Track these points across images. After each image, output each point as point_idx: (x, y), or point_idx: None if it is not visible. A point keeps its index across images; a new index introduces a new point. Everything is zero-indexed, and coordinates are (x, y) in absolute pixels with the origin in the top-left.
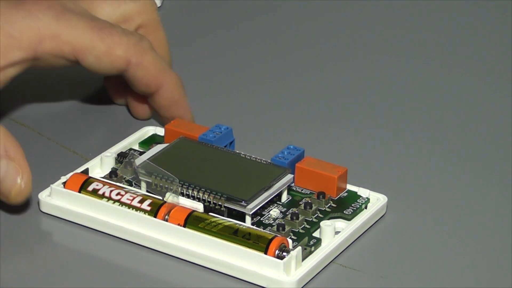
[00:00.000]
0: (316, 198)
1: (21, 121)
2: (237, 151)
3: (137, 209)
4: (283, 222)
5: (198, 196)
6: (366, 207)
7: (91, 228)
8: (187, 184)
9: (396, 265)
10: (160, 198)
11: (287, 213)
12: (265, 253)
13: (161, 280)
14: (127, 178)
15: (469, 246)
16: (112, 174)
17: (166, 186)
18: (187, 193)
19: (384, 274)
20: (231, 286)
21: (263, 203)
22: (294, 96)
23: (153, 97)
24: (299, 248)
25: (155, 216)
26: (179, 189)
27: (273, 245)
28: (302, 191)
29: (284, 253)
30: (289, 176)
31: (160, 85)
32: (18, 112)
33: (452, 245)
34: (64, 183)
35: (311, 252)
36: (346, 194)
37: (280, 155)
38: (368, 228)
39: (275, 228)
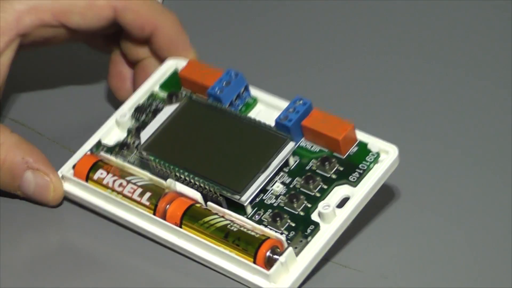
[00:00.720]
0: (321, 165)
1: (21, 121)
2: (242, 116)
3: (137, 203)
4: (281, 207)
5: (196, 184)
6: (376, 163)
7: (97, 212)
8: (184, 172)
9: (396, 265)
10: (163, 182)
11: (291, 185)
12: (254, 261)
13: (158, 272)
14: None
15: (473, 245)
16: (124, 146)
17: (167, 170)
18: (186, 179)
19: (384, 274)
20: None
21: (260, 187)
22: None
23: (151, 42)
24: (289, 250)
25: (154, 211)
26: (178, 176)
27: (261, 254)
28: (312, 148)
29: (275, 256)
30: (290, 145)
31: (154, 26)
32: (18, 112)
33: (455, 245)
34: (74, 166)
35: (307, 243)
36: (355, 149)
37: (284, 113)
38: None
39: (271, 219)
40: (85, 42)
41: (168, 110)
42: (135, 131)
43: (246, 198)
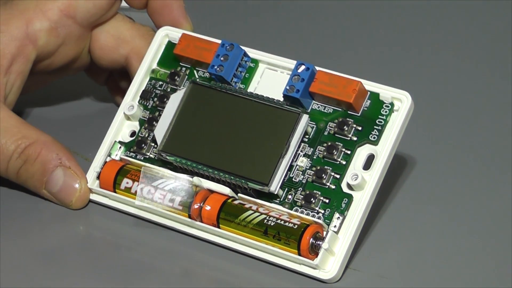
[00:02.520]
0: (339, 129)
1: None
2: (249, 93)
3: (169, 207)
4: (311, 183)
5: (223, 180)
6: (392, 114)
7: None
8: (208, 170)
9: (395, 265)
10: (189, 178)
11: (315, 156)
12: (299, 252)
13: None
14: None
15: (473, 245)
16: (141, 144)
17: (190, 169)
18: (211, 176)
19: (383, 274)
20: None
21: (285, 171)
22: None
23: (148, 6)
24: (330, 234)
25: (189, 215)
26: (202, 174)
27: (304, 245)
28: (325, 110)
29: (318, 242)
30: (305, 119)
31: None
32: (19, 113)
33: (455, 245)
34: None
35: (345, 218)
36: (368, 102)
37: (290, 83)
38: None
39: (304, 201)
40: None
41: (174, 99)
42: (147, 123)
43: (274, 187)
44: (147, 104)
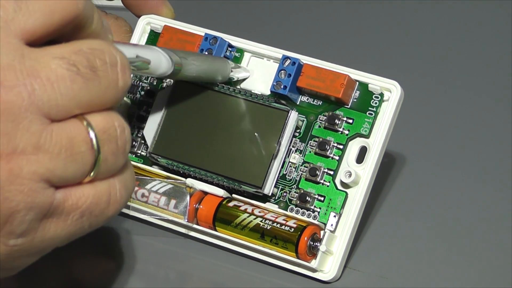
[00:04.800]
0: (329, 124)
1: None
2: (236, 90)
3: (165, 210)
4: (304, 180)
5: (216, 182)
6: (381, 105)
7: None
8: (201, 172)
9: (396, 265)
10: (183, 180)
11: (307, 152)
12: (297, 256)
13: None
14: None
15: (473, 244)
16: (132, 141)
17: (181, 171)
18: (205, 179)
19: (384, 274)
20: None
21: (277, 172)
22: None
23: None
24: (327, 235)
25: (184, 217)
26: (195, 176)
27: (301, 249)
28: (314, 102)
29: (316, 243)
30: (294, 116)
31: None
32: None
33: (455, 245)
34: None
35: (341, 215)
36: (357, 93)
37: (277, 78)
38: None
39: (299, 201)
40: None
41: (161, 96)
42: (136, 120)
43: (268, 190)
44: (133, 98)
